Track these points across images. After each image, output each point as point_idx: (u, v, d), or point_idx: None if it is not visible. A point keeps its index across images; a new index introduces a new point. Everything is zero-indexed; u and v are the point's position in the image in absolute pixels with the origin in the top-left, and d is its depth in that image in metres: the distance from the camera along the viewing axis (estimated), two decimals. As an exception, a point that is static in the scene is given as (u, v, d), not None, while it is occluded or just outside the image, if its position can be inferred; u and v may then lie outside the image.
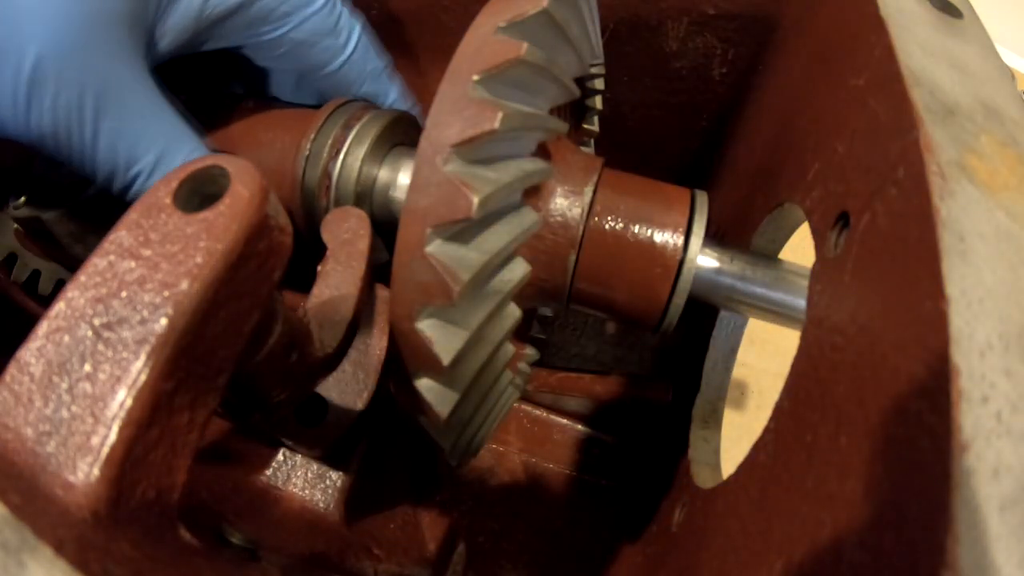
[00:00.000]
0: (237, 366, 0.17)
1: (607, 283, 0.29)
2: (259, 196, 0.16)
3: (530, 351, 0.38)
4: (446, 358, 0.21)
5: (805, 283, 0.24)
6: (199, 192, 0.17)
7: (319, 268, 0.27)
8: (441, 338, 0.22)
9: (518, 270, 0.24)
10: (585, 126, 0.36)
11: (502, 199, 0.22)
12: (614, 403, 0.47)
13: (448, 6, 0.39)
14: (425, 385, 0.23)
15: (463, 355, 0.22)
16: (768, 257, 0.30)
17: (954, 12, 0.24)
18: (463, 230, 0.21)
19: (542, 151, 0.29)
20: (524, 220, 0.24)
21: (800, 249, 0.32)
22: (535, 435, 0.48)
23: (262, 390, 0.22)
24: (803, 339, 0.22)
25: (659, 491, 0.37)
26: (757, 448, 0.23)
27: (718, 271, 0.29)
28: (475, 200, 0.20)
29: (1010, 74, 0.22)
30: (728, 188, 0.40)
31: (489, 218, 0.22)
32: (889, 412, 0.15)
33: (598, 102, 0.35)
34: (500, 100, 0.21)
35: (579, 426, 0.48)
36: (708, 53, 0.41)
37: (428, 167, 0.20)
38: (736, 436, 0.37)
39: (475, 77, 0.21)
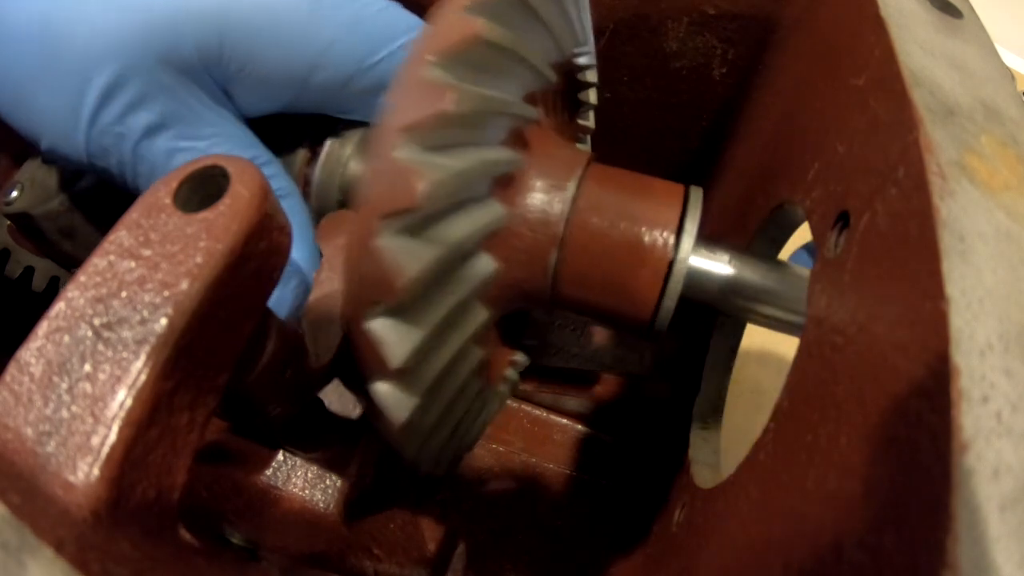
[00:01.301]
0: (233, 383, 0.17)
1: (591, 285, 0.27)
2: (259, 196, 0.16)
3: (520, 357, 0.37)
4: (396, 360, 0.20)
5: (805, 283, 0.24)
6: (199, 192, 0.17)
7: (315, 275, 0.27)
8: (392, 338, 0.20)
9: (483, 267, 0.22)
10: (579, 121, 0.34)
11: (457, 188, 0.20)
12: (614, 403, 0.47)
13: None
14: (378, 389, 0.21)
15: (419, 357, 0.21)
16: (768, 257, 0.30)
17: (954, 12, 0.24)
18: (415, 222, 0.20)
19: (520, 143, 0.27)
20: (488, 213, 0.22)
21: (800, 249, 0.32)
22: (535, 435, 0.48)
23: (259, 406, 0.21)
24: (803, 339, 0.22)
25: (659, 491, 0.37)
26: (757, 448, 0.23)
27: (712, 271, 0.28)
28: (419, 187, 0.19)
29: (1010, 74, 0.22)
30: (728, 188, 0.40)
31: (446, 209, 0.21)
32: (889, 412, 0.15)
33: (592, 96, 0.33)
34: (460, 83, 0.20)
35: (579, 426, 0.49)
36: (708, 53, 0.41)
37: (378, 154, 0.19)
38: (736, 436, 0.37)
39: (430, 58, 0.20)
